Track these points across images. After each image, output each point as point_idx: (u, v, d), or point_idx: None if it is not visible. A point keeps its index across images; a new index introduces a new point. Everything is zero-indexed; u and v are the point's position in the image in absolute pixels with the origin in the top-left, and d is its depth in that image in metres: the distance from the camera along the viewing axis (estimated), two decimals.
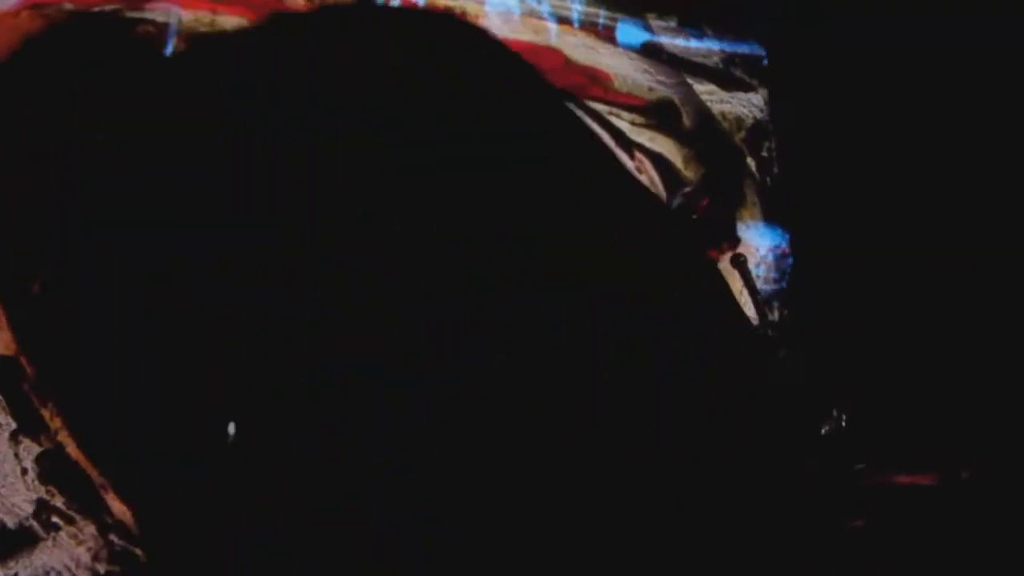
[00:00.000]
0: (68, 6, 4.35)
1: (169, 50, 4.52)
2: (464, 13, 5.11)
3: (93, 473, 4.35)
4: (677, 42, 5.79)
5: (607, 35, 5.61)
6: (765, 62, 5.96)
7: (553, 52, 5.42)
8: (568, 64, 5.47)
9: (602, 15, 5.62)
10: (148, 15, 4.50)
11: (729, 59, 5.84)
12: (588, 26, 5.55)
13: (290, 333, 1.22)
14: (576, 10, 5.52)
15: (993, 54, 5.47)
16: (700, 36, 5.88)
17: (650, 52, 5.72)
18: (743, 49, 5.97)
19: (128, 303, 1.41)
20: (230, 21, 4.72)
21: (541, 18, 5.41)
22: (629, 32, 5.69)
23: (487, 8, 5.22)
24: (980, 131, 5.54)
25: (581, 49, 5.54)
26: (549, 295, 1.25)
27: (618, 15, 5.64)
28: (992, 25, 5.38)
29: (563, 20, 5.46)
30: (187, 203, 1.33)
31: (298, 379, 1.23)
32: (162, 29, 4.53)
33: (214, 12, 4.68)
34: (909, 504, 4.38)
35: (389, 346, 1.17)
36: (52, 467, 4.14)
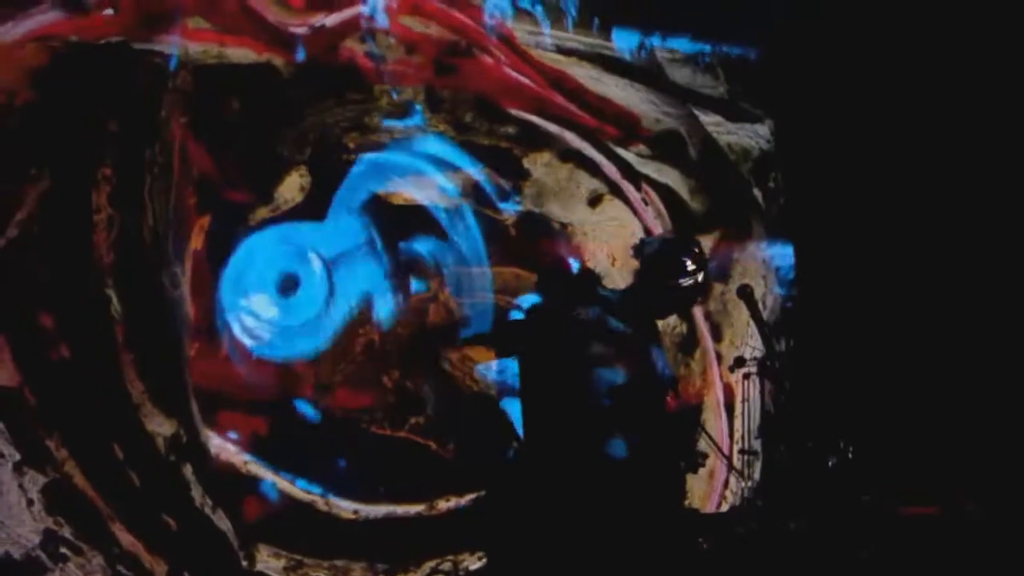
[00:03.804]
0: (73, 39, 4.42)
1: (176, 78, 4.63)
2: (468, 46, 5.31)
3: (100, 504, 4.34)
4: (668, 44, 5.87)
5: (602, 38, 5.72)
6: (758, 63, 6.05)
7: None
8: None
9: (595, 22, 5.72)
10: (155, 47, 4.59)
11: (728, 74, 5.98)
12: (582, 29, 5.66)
13: None
14: (570, 14, 5.64)
15: (998, 78, 5.58)
16: (693, 39, 5.95)
17: (656, 82, 5.81)
18: (735, 51, 6.04)
19: None
20: (237, 53, 4.85)
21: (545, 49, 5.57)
22: (623, 36, 5.80)
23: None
24: (992, 152, 5.61)
25: (589, 81, 5.63)
26: None
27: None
28: (994, 51, 5.52)
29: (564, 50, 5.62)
30: None
31: None
32: (168, 61, 4.61)
33: (221, 44, 4.79)
34: (915, 534, 4.41)
35: None
36: (59, 498, 4.19)
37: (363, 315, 5.26)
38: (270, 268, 5.08)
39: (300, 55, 4.97)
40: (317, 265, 5.15)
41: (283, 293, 5.10)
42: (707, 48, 5.94)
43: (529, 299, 5.14)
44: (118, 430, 4.40)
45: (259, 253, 5.05)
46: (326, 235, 5.21)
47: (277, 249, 5.12)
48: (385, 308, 5.24)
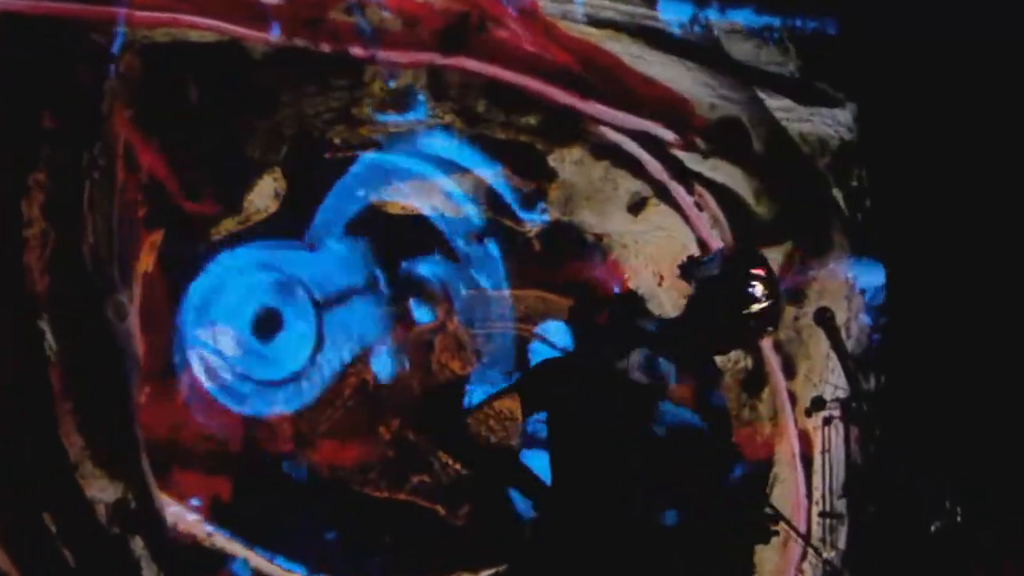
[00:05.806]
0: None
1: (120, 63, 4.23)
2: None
3: None
4: (725, 17, 5.40)
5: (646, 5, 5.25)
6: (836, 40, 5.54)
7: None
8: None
9: None
10: (98, 24, 4.17)
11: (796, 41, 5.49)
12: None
13: None
14: None
15: None
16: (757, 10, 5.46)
17: (711, 59, 5.30)
18: (810, 25, 5.55)
19: None
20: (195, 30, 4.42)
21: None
22: (671, 8, 5.30)
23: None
24: None
25: (628, 58, 5.13)
26: None
27: None
28: None
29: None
30: None
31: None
32: (111, 41, 4.20)
33: (173, 21, 4.34)
34: None
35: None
36: None
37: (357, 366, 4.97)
38: (245, 303, 4.72)
39: (274, 31, 4.54)
40: (304, 306, 4.78)
41: (260, 335, 4.72)
42: (775, 22, 5.42)
43: (553, 327, 4.98)
44: (51, 496, 4.02)
45: (231, 280, 4.69)
46: (317, 267, 4.83)
47: (254, 277, 4.73)
48: (386, 364, 4.93)
